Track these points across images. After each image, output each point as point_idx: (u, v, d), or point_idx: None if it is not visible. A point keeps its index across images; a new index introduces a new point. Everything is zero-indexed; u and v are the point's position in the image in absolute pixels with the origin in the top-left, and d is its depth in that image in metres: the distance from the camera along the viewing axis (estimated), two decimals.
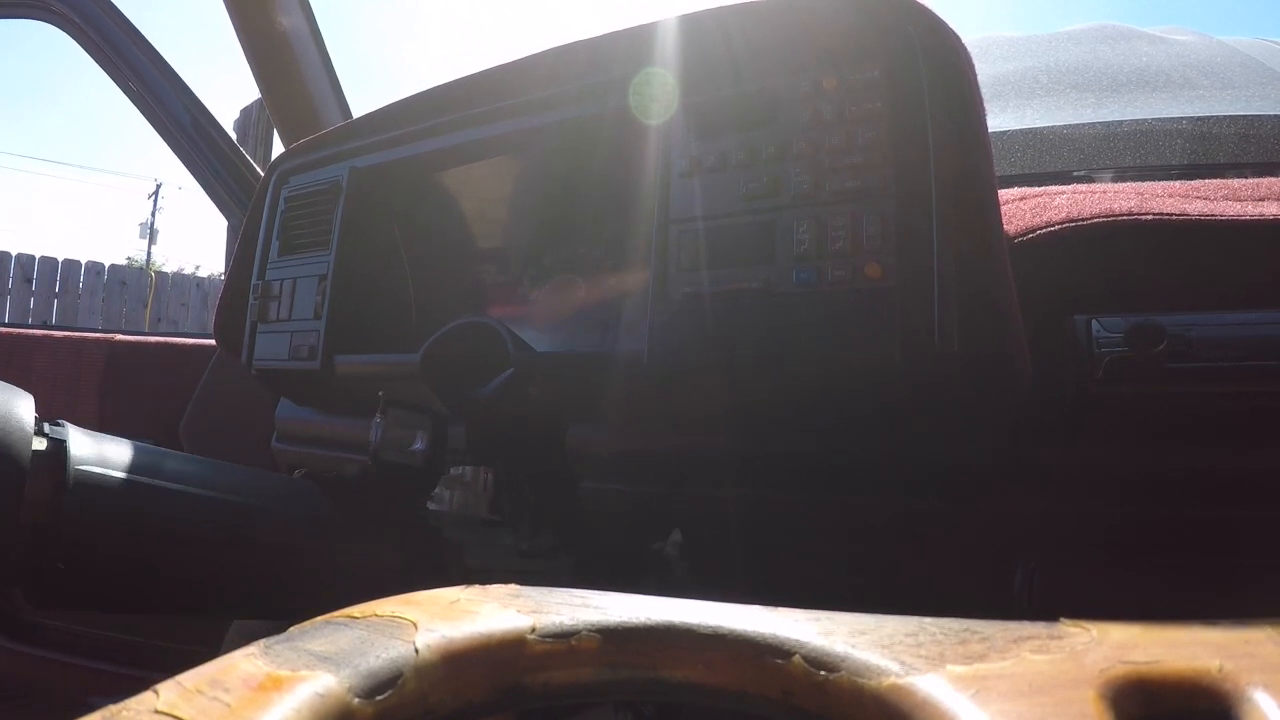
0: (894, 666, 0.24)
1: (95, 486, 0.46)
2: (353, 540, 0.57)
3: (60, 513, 0.44)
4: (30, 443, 0.44)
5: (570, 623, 0.27)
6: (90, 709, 0.21)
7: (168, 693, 0.22)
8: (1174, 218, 0.49)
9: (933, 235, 0.47)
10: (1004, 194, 0.56)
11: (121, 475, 0.47)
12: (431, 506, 0.61)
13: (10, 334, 1.31)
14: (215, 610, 0.66)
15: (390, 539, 0.59)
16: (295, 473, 0.59)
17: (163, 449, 0.53)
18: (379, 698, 0.23)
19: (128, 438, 0.52)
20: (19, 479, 0.42)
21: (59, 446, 0.46)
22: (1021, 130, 1.02)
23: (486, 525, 0.58)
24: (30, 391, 0.50)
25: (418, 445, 0.61)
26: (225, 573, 0.51)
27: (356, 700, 0.23)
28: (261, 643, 0.25)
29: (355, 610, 0.28)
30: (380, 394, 0.63)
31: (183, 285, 9.19)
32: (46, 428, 0.47)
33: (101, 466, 0.46)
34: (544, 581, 0.31)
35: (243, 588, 0.52)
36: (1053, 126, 1.01)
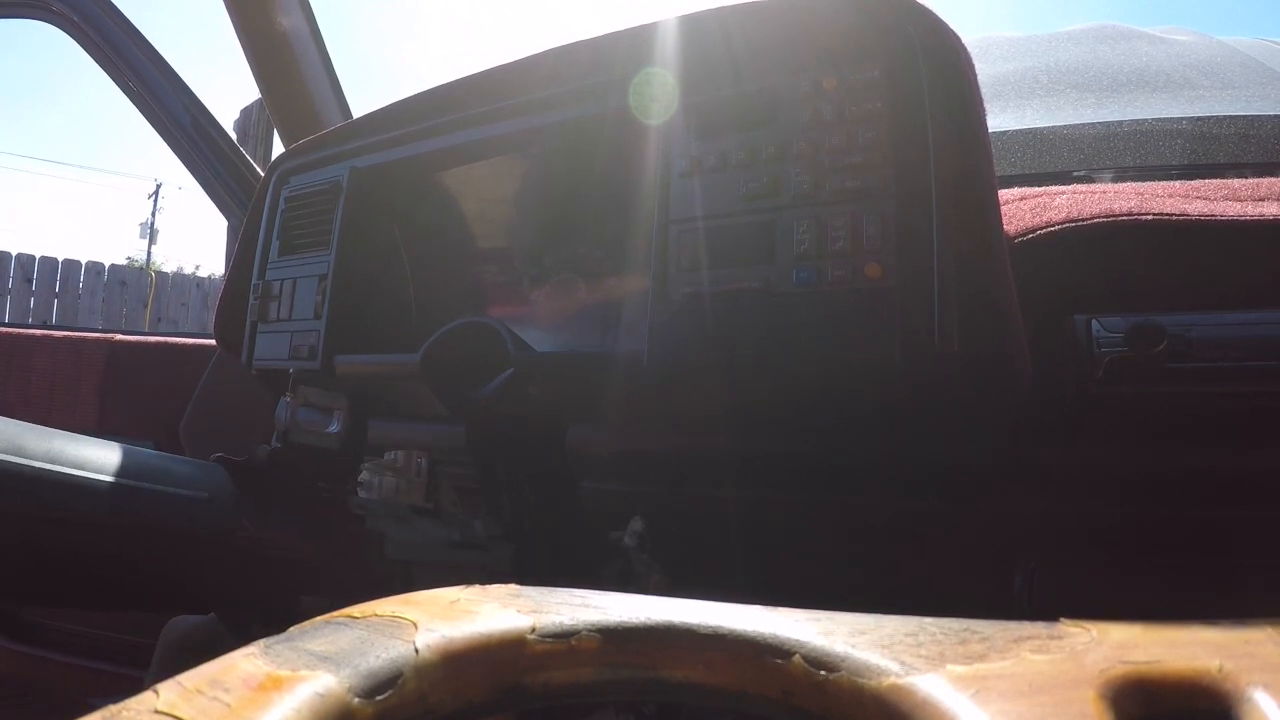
0: (894, 666, 0.24)
1: (4, 476, 0.45)
2: (260, 526, 0.56)
3: None
4: None
5: (570, 623, 0.27)
6: (90, 709, 0.21)
7: (168, 693, 0.22)
8: (1174, 218, 0.49)
9: (933, 235, 0.47)
10: (1004, 194, 0.56)
11: (21, 460, 0.47)
12: (361, 493, 0.59)
13: (10, 334, 1.31)
14: (119, 601, 0.65)
15: (298, 525, 0.57)
16: (211, 457, 0.58)
17: (70, 434, 0.52)
18: (379, 698, 0.23)
19: (128, 438, 0.52)
20: None
21: None
22: (1021, 130, 1.02)
23: (416, 514, 0.57)
24: (30, 391, 0.51)
25: (333, 427, 0.59)
26: (124, 560, 0.50)
27: (356, 700, 0.23)
28: (261, 642, 0.25)
29: (355, 610, 0.28)
30: (290, 371, 0.61)
31: (183, 285, 9.19)
32: None
33: (4, 452, 0.46)
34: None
35: (144, 575, 0.51)
36: (1053, 126, 1.01)
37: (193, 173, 1.41)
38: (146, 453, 0.56)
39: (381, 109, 0.81)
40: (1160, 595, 0.49)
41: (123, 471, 0.52)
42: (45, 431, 0.51)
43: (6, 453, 0.46)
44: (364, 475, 0.58)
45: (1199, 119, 0.96)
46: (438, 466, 0.60)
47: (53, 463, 0.48)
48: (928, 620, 0.27)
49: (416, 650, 0.25)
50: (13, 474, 0.46)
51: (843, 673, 0.24)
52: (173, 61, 1.38)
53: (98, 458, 0.52)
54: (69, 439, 0.52)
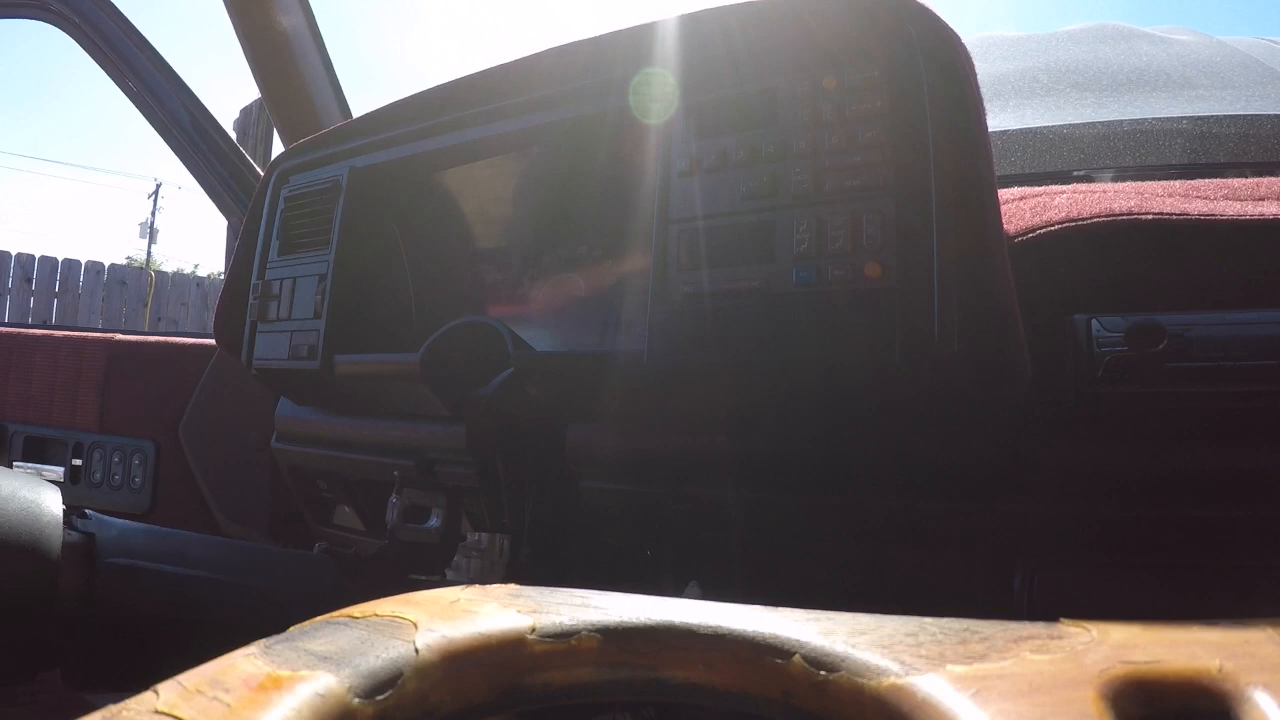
0: (894, 666, 0.24)
1: (123, 576, 0.47)
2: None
3: (92, 603, 0.45)
4: (60, 536, 0.45)
5: (570, 623, 0.27)
6: (90, 709, 0.21)
7: (168, 693, 0.22)
8: (1174, 218, 0.49)
9: (933, 235, 0.47)
10: (1004, 194, 0.56)
11: (148, 565, 0.49)
12: (450, 575, 0.62)
13: (10, 334, 1.31)
14: None
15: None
16: (315, 547, 0.61)
17: (185, 533, 0.54)
18: (379, 698, 0.23)
19: (128, 438, 0.52)
20: (53, 573, 0.44)
21: (88, 539, 0.47)
22: (1021, 130, 1.02)
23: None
24: (30, 391, 0.51)
25: (433, 523, 0.62)
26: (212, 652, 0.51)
27: (357, 700, 0.23)
28: (262, 643, 0.25)
29: (355, 610, 0.28)
30: (395, 474, 0.64)
31: (183, 285, 9.19)
32: (75, 521, 0.48)
33: (128, 556, 0.48)
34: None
35: None
36: (1053, 126, 1.01)
37: (192, 173, 1.41)
38: (257, 547, 0.59)
39: (381, 109, 0.81)
40: (1160, 595, 0.49)
41: (246, 569, 0.54)
42: (180, 537, 0.53)
43: (133, 556, 0.48)
44: (456, 560, 0.61)
45: (1199, 119, 0.96)
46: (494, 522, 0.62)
47: (201, 568, 0.51)
48: (928, 620, 0.27)
49: (417, 650, 0.25)
50: (138, 571, 0.48)
51: (843, 673, 0.24)
52: (173, 61, 1.38)
53: (222, 556, 0.54)
54: (206, 544, 0.55)
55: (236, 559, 0.54)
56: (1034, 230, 0.52)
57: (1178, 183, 0.58)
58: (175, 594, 0.49)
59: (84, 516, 0.49)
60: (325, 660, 0.24)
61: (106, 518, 0.50)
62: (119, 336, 1.29)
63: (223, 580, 0.52)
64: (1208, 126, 0.95)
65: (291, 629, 0.26)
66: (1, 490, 0.44)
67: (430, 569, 0.62)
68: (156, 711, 0.21)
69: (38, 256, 7.78)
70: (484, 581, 0.58)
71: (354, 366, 0.76)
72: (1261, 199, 0.52)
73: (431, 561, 0.62)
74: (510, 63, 0.69)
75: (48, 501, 0.46)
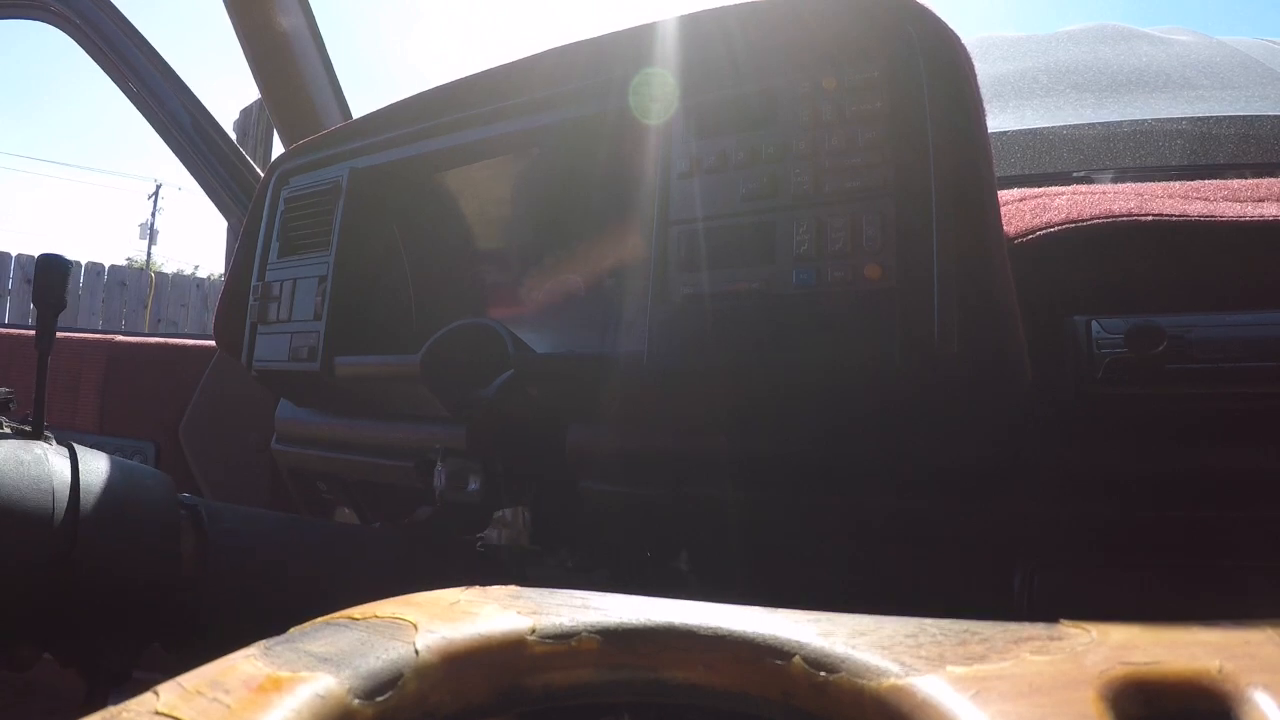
0: (894, 667, 0.24)
1: (230, 546, 0.51)
2: (435, 581, 0.62)
3: (206, 568, 0.50)
4: (178, 507, 0.50)
5: (570, 624, 0.27)
6: (91, 709, 0.21)
7: (168, 694, 0.22)
8: (1173, 218, 0.49)
9: (933, 236, 0.47)
10: (1004, 194, 0.56)
11: (247, 540, 0.53)
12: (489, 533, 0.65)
13: (10, 334, 1.31)
14: None
15: (464, 577, 0.62)
16: (375, 523, 0.65)
17: (263, 510, 0.58)
18: (379, 699, 0.23)
19: (128, 439, 0.53)
20: (175, 538, 0.48)
21: (196, 512, 0.51)
22: (1021, 130, 1.02)
23: (531, 554, 0.63)
24: (30, 391, 0.53)
25: (473, 486, 0.65)
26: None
27: (357, 701, 0.23)
28: (262, 644, 0.25)
29: (355, 611, 0.28)
30: (439, 446, 0.67)
31: (183, 286, 9.18)
32: (182, 497, 0.53)
33: (232, 531, 0.53)
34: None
35: None
36: (1053, 126, 1.01)
37: (193, 173, 1.41)
38: (327, 524, 0.62)
39: (381, 109, 0.81)
40: (1160, 595, 0.49)
41: (326, 540, 0.59)
42: (267, 515, 0.58)
43: (237, 533, 0.53)
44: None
45: (1199, 119, 0.96)
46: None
47: (269, 540, 0.55)
48: (928, 621, 0.27)
49: (416, 651, 0.25)
50: (241, 543, 0.53)
51: (843, 674, 0.24)
52: (173, 61, 1.38)
53: (305, 531, 0.59)
54: (289, 521, 0.60)
55: (313, 533, 0.59)
56: (1034, 231, 0.52)
57: (1177, 184, 0.58)
58: (273, 567, 0.53)
59: (185, 496, 0.53)
60: (325, 661, 0.24)
61: (197, 498, 0.54)
62: (119, 338, 1.29)
63: (309, 545, 0.57)
64: (1208, 127, 0.95)
65: (291, 630, 0.26)
66: (119, 471, 0.48)
67: (474, 529, 0.64)
68: (157, 713, 0.21)
69: (37, 257, 7.77)
70: (513, 545, 0.61)
71: (354, 368, 0.76)
72: (1261, 200, 0.52)
73: (474, 523, 0.65)
74: (510, 63, 0.69)
75: (163, 482, 0.51)
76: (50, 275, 0.57)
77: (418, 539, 0.64)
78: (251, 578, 0.52)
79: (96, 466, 0.48)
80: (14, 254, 7.58)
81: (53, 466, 0.45)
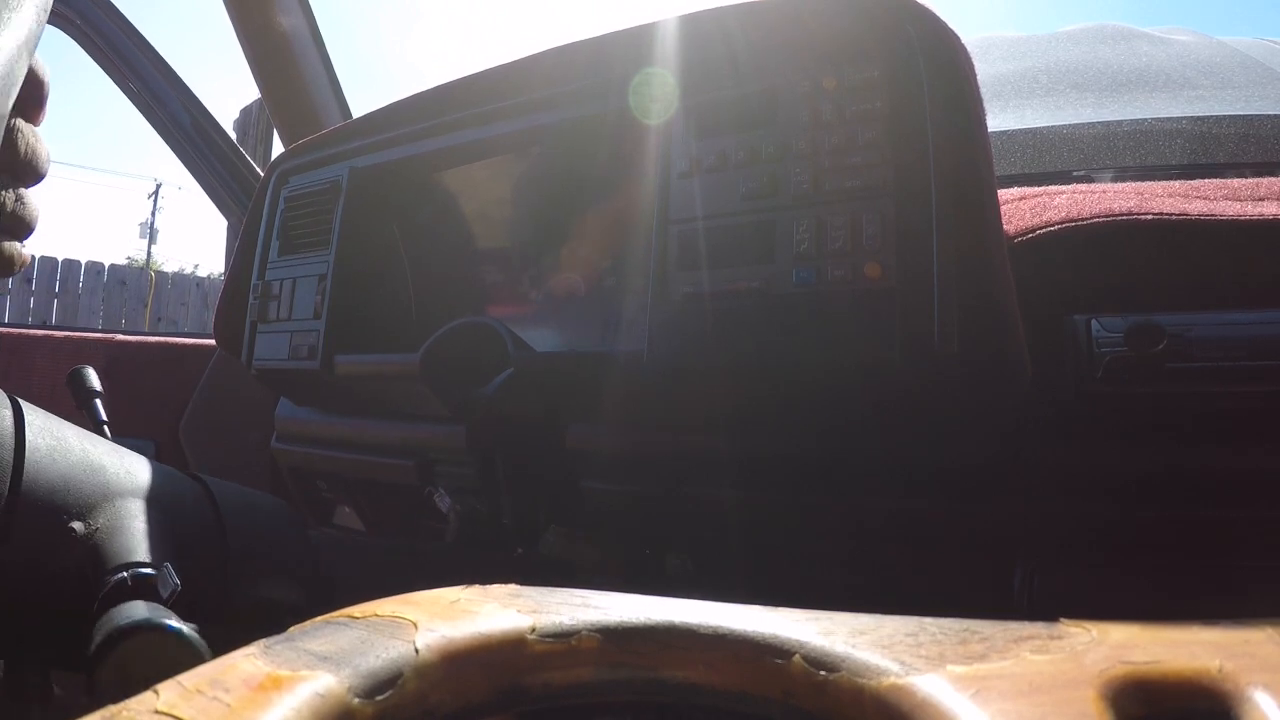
0: (894, 666, 0.24)
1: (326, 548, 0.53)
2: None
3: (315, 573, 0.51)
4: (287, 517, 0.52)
5: (570, 623, 0.27)
6: (91, 708, 0.21)
7: (168, 693, 0.22)
8: (1174, 218, 0.49)
9: (933, 235, 0.47)
10: (1004, 194, 0.56)
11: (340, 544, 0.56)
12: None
13: (10, 334, 1.31)
14: None
15: (465, 576, 0.64)
16: (374, 522, 0.67)
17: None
18: (379, 698, 0.23)
19: (127, 438, 0.53)
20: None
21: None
22: (1021, 130, 1.02)
23: (531, 554, 0.63)
24: (30, 391, 0.52)
25: (476, 504, 0.66)
26: None
27: (356, 700, 0.23)
28: (261, 643, 0.25)
29: (355, 610, 0.28)
30: (434, 454, 0.68)
31: (183, 285, 9.18)
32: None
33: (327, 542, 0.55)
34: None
35: None
36: (1053, 126, 1.01)
37: (193, 173, 1.42)
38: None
39: (381, 109, 0.81)
40: (1160, 595, 0.49)
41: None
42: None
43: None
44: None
45: (1199, 119, 0.96)
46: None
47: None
48: (928, 620, 0.27)
49: (416, 650, 0.25)
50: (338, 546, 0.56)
51: (843, 673, 0.24)
52: (173, 62, 1.38)
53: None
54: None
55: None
56: (1034, 230, 0.52)
57: (1178, 183, 0.58)
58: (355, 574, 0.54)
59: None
60: (325, 660, 0.24)
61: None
62: (119, 337, 1.29)
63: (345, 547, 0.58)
64: (1208, 127, 0.95)
65: (291, 629, 0.26)
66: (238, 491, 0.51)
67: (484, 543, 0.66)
68: (156, 711, 0.21)
69: (38, 257, 7.77)
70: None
71: (354, 366, 0.76)
72: (1261, 199, 0.52)
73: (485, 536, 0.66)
74: (510, 63, 0.69)
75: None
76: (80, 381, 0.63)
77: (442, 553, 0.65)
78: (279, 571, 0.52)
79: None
80: None
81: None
